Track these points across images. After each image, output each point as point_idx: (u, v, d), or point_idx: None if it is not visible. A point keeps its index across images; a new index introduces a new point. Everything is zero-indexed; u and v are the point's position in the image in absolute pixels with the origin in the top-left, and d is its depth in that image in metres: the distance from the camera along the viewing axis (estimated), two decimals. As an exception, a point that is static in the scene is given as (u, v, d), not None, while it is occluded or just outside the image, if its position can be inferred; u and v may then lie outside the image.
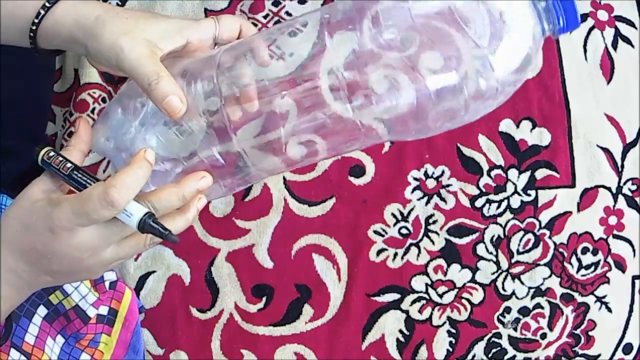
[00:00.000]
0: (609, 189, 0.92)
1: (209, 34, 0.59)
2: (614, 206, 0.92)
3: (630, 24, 0.93)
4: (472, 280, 0.90)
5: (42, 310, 0.72)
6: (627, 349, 0.92)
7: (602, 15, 0.93)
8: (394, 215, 0.90)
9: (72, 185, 0.56)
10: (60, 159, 0.56)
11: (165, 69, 0.55)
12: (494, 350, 0.91)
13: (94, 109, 0.89)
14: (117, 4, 0.90)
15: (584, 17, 0.93)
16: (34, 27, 0.58)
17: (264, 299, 0.89)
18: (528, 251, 0.91)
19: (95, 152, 0.65)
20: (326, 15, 0.57)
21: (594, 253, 0.91)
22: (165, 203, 0.55)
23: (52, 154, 0.57)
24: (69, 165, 0.56)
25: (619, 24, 0.94)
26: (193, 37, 0.58)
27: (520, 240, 0.91)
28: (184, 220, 0.56)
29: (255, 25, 0.91)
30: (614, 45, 0.93)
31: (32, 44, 0.59)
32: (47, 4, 0.58)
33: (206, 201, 0.57)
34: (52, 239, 0.54)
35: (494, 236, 0.90)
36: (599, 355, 0.91)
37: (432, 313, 0.90)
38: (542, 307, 0.91)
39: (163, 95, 0.54)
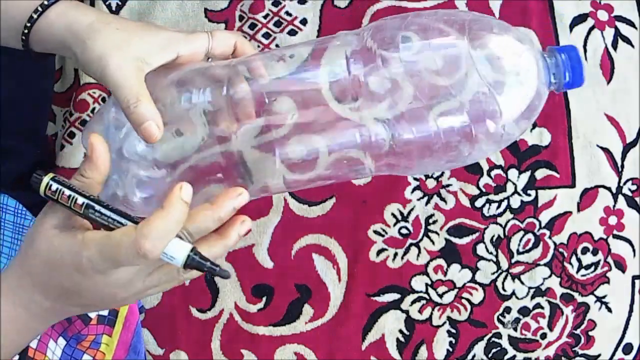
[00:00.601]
0: (609, 189, 0.92)
1: (201, 49, 0.58)
2: (614, 206, 0.92)
3: (630, 24, 0.93)
4: (472, 280, 0.90)
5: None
6: (627, 349, 0.92)
7: (602, 15, 0.93)
8: (394, 215, 0.90)
9: (90, 220, 0.51)
10: (68, 193, 0.50)
11: (146, 92, 0.54)
12: (494, 350, 0.91)
13: (94, 109, 0.89)
14: (117, 4, 0.90)
15: (584, 17, 0.93)
16: (26, 31, 0.58)
17: (264, 299, 0.89)
18: (528, 251, 0.91)
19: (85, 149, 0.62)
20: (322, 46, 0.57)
21: (594, 253, 0.91)
22: (201, 226, 0.51)
23: (55, 187, 0.50)
24: (80, 201, 0.50)
25: (619, 24, 0.94)
26: (184, 52, 0.57)
27: (520, 240, 0.91)
28: (223, 247, 0.53)
29: (255, 26, 0.91)
30: (614, 45, 0.93)
31: (24, 46, 0.59)
32: (40, 8, 0.57)
33: (250, 225, 0.55)
34: (82, 279, 0.51)
35: (494, 236, 0.90)
36: (599, 355, 0.91)
37: (432, 313, 0.90)
38: (542, 307, 0.91)
39: (140, 120, 0.54)
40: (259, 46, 0.90)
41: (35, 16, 0.57)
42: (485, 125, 0.54)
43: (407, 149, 0.55)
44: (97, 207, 0.50)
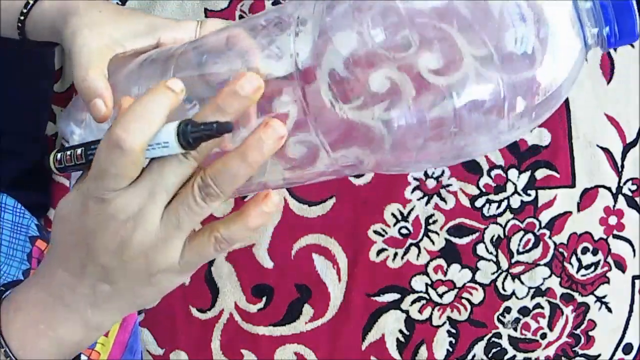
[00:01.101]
0: (609, 189, 0.92)
1: (186, 36, 0.57)
2: (614, 206, 0.92)
3: (630, 24, 0.93)
4: (472, 280, 0.90)
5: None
6: (627, 349, 0.92)
7: (602, 15, 0.93)
8: (394, 215, 0.90)
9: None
10: (69, 152, 0.46)
11: (100, 69, 0.52)
12: (494, 350, 0.91)
13: (94, 109, 0.89)
14: (118, 4, 0.90)
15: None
16: (22, 17, 0.58)
17: (264, 299, 0.89)
18: (528, 251, 0.91)
19: (61, 135, 0.59)
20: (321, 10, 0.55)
21: (594, 253, 0.91)
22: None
23: (59, 156, 0.47)
24: (79, 150, 0.45)
25: (619, 24, 0.93)
26: (166, 38, 0.57)
27: (520, 240, 0.91)
28: (243, 227, 0.45)
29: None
30: (614, 45, 0.93)
31: (20, 34, 0.59)
32: None
33: (276, 200, 0.46)
34: (86, 216, 0.44)
35: (494, 236, 0.90)
36: (599, 355, 0.91)
37: (432, 313, 0.90)
38: (542, 307, 0.91)
39: (88, 96, 0.52)
40: (259, 46, 0.90)
41: (31, 2, 0.58)
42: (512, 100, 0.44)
43: (407, 138, 0.49)
44: (95, 145, 0.44)
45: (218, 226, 0.45)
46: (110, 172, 0.42)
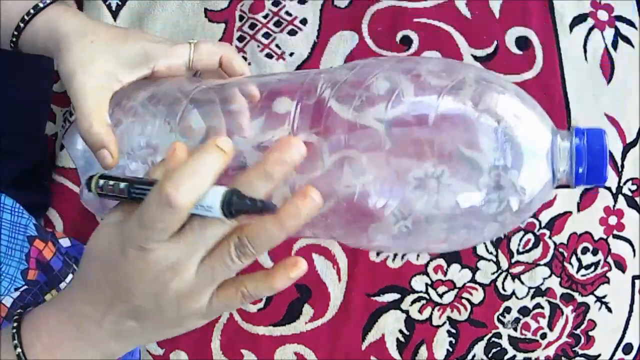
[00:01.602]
0: (609, 189, 0.92)
1: (180, 62, 0.58)
2: (614, 206, 0.92)
3: (630, 24, 0.93)
4: (472, 280, 0.90)
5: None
6: (627, 349, 0.92)
7: (602, 15, 0.93)
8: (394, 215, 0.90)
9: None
10: (112, 182, 0.47)
11: (102, 116, 0.54)
12: (494, 350, 0.91)
13: (93, 109, 0.89)
14: (117, 4, 0.90)
15: (584, 17, 0.93)
16: (14, 39, 0.58)
17: (264, 298, 0.89)
18: (528, 251, 0.91)
19: (67, 150, 0.60)
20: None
21: (594, 253, 0.91)
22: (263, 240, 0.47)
23: (101, 182, 0.48)
24: (122, 185, 0.47)
25: (619, 24, 0.93)
26: (160, 67, 0.57)
27: (520, 240, 0.91)
28: (268, 289, 0.49)
29: (255, 26, 0.91)
30: (614, 45, 0.93)
31: (14, 50, 0.60)
32: (26, 17, 0.58)
33: (304, 266, 0.51)
34: (124, 260, 0.46)
35: (494, 236, 0.90)
36: (599, 355, 0.91)
37: (432, 313, 0.90)
38: (542, 307, 0.91)
39: (94, 145, 0.54)
40: (258, 46, 0.90)
41: (22, 24, 0.58)
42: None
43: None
44: (139, 184, 0.46)
45: (246, 283, 0.48)
46: (157, 226, 0.44)
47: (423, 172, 0.47)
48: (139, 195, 0.46)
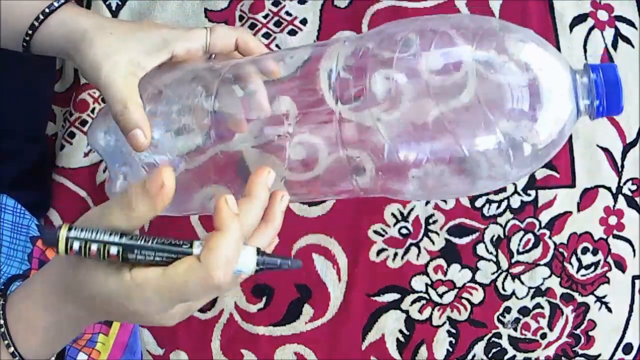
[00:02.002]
0: (609, 189, 0.92)
1: (198, 45, 0.58)
2: (614, 206, 0.92)
3: (630, 24, 0.94)
4: (472, 280, 0.90)
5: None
6: (627, 349, 0.92)
7: (602, 15, 0.93)
8: (394, 215, 0.90)
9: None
10: (96, 247, 0.43)
11: (135, 98, 0.54)
12: (494, 350, 0.91)
13: (94, 109, 0.89)
14: (118, 4, 0.90)
15: (584, 17, 0.93)
16: (27, 38, 0.58)
17: (264, 299, 0.89)
18: (528, 251, 0.91)
19: (91, 147, 0.60)
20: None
21: (594, 253, 0.91)
22: (252, 222, 0.48)
23: (77, 245, 0.43)
24: (114, 250, 0.43)
25: (619, 24, 0.94)
26: (179, 50, 0.57)
27: (520, 240, 0.91)
28: (274, 231, 0.51)
29: (255, 26, 0.91)
30: (614, 45, 0.93)
31: (25, 51, 0.59)
32: (41, 15, 0.58)
33: (288, 197, 0.52)
34: (134, 315, 0.46)
35: (494, 236, 0.90)
36: (599, 355, 0.91)
37: (432, 313, 0.90)
38: (542, 307, 0.91)
39: (128, 127, 0.53)
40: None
41: (36, 24, 0.58)
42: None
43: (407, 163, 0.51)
44: (137, 249, 0.44)
45: (256, 241, 0.50)
46: (194, 300, 0.46)
47: (457, 115, 0.49)
48: (139, 260, 0.44)
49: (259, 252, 0.46)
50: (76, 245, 0.43)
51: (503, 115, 0.49)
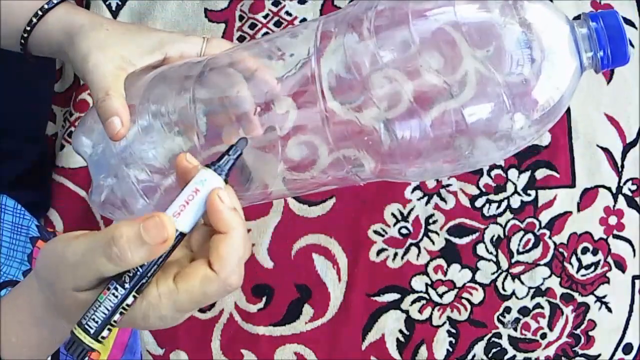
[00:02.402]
0: (609, 189, 0.92)
1: (193, 51, 0.58)
2: (614, 206, 0.92)
3: (630, 24, 0.93)
4: (472, 280, 0.90)
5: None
6: (627, 349, 0.92)
7: (602, 15, 0.93)
8: (394, 215, 0.90)
9: None
10: (117, 316, 0.43)
11: (118, 89, 0.53)
12: (494, 350, 0.91)
13: (94, 109, 0.89)
14: (118, 4, 0.90)
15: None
16: (25, 35, 0.58)
17: (264, 298, 0.89)
18: (528, 251, 0.91)
19: (75, 151, 0.59)
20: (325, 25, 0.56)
21: (594, 253, 0.91)
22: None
23: (105, 332, 0.43)
24: (129, 301, 0.43)
25: (619, 24, 0.93)
26: (173, 52, 0.57)
27: (520, 240, 0.91)
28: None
29: (255, 26, 0.91)
30: (614, 45, 0.93)
31: (22, 49, 0.59)
32: (40, 12, 0.58)
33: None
34: (144, 324, 0.46)
35: (494, 236, 0.90)
36: (599, 355, 0.91)
37: (432, 313, 0.90)
38: (542, 307, 0.91)
39: (106, 115, 0.52)
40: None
41: (35, 20, 0.58)
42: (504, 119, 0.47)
43: (410, 145, 0.51)
44: (144, 279, 0.43)
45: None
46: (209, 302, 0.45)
47: (459, 75, 0.48)
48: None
49: (214, 169, 0.46)
50: (105, 333, 0.43)
51: (504, 76, 0.47)
